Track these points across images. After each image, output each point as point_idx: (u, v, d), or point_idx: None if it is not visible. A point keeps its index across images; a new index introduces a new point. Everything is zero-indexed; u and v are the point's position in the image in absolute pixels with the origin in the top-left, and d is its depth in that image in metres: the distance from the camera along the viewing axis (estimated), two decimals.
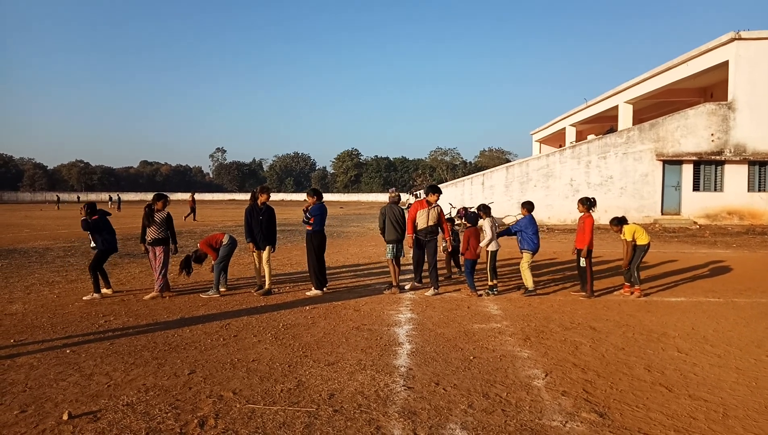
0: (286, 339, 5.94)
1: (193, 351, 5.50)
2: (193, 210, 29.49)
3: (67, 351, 5.49)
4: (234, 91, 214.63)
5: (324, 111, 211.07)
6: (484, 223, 8.53)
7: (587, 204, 8.38)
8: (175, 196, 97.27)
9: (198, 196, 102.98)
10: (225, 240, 8.66)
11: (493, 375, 4.76)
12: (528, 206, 8.58)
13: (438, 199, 8.69)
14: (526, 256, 8.42)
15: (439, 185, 26.46)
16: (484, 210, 8.71)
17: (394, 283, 8.72)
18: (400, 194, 9.38)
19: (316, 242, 8.59)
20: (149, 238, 8.24)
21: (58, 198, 62.63)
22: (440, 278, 8.91)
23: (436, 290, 8.48)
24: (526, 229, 8.43)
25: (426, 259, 8.72)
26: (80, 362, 5.13)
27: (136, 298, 8.24)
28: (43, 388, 4.46)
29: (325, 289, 8.64)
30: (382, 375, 4.75)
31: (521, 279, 8.67)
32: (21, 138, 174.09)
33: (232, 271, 10.39)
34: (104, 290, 8.42)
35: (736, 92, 21.96)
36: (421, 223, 8.54)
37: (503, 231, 8.79)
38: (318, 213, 8.60)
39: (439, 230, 8.83)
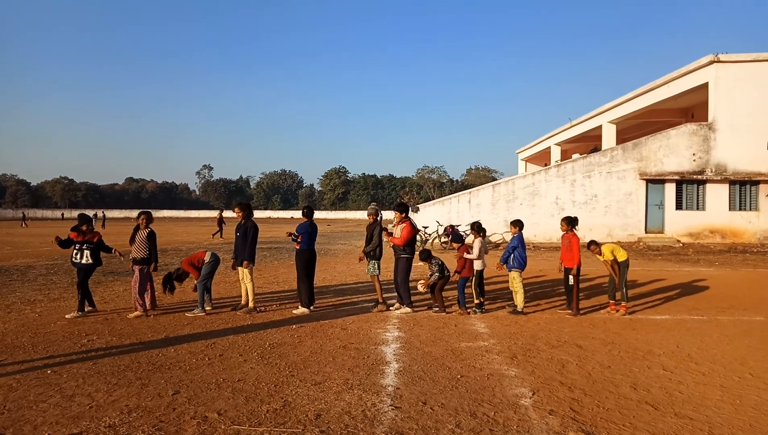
0: (273, 358, 5.89)
1: (178, 371, 5.42)
2: (221, 228, 29.02)
3: (48, 371, 5.39)
4: (221, 108, 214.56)
5: (311, 128, 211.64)
6: (474, 242, 8.58)
7: (570, 223, 8.49)
8: (160, 214, 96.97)
9: (184, 214, 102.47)
10: (207, 258, 8.59)
11: (480, 394, 4.75)
12: (519, 225, 8.65)
13: (402, 216, 8.67)
14: (517, 275, 8.43)
15: (426, 203, 26.54)
16: (477, 229, 8.75)
17: (380, 300, 8.70)
18: (378, 210, 9.31)
19: (303, 260, 8.57)
20: (131, 256, 8.20)
21: (24, 215, 57.92)
22: (436, 308, 8.72)
23: (409, 308, 8.47)
24: (519, 246, 8.50)
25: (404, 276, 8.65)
26: (61, 383, 5.03)
27: (120, 316, 8.12)
28: (23, 410, 4.36)
29: (312, 307, 8.59)
30: (369, 394, 4.71)
31: (508, 298, 8.69)
32: (3, 154, 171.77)
33: (217, 290, 10.31)
34: (87, 308, 8.30)
35: (716, 113, 22.45)
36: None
37: (505, 255, 8.57)
38: (303, 231, 8.59)
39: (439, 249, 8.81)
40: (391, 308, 8.64)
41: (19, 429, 3.97)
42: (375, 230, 8.85)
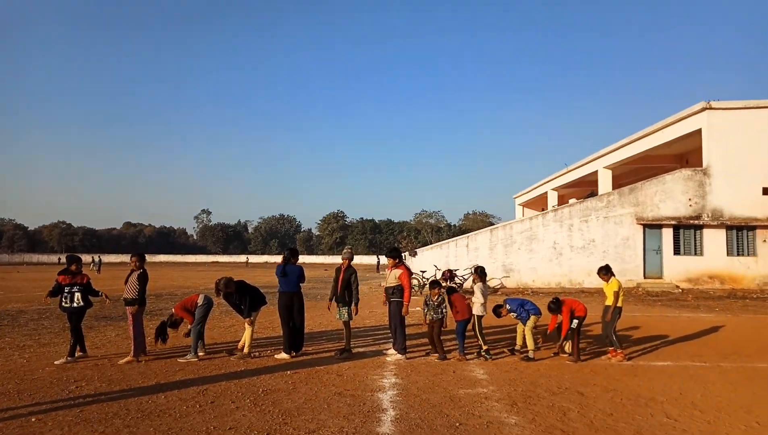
0: (266, 405, 5.73)
1: (168, 418, 5.26)
2: None
3: (33, 419, 5.22)
4: (219, 153, 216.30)
5: (310, 172, 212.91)
6: (475, 287, 8.55)
7: (556, 305, 8.42)
8: (157, 259, 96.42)
9: (181, 259, 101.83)
10: (200, 301, 8.47)
11: None
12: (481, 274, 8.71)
13: (394, 262, 8.49)
14: (533, 320, 8.43)
15: (424, 248, 26.45)
16: (480, 274, 8.70)
17: (347, 347, 8.57)
18: (352, 253, 9.20)
19: (280, 303, 8.51)
20: (123, 297, 8.14)
21: None
22: (435, 355, 8.38)
23: (401, 355, 8.27)
24: (524, 306, 8.54)
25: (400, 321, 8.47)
26: (45, 431, 4.87)
27: (110, 362, 7.94)
28: None
29: (293, 353, 8.37)
30: None
31: (507, 343, 8.56)
32: (0, 199, 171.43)
33: (211, 335, 10.14)
34: (78, 354, 8.13)
35: (710, 159, 22.74)
36: (387, 282, 8.60)
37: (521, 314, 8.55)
38: (277, 273, 8.58)
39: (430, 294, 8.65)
40: (386, 353, 8.48)
41: None
42: (352, 276, 8.56)
